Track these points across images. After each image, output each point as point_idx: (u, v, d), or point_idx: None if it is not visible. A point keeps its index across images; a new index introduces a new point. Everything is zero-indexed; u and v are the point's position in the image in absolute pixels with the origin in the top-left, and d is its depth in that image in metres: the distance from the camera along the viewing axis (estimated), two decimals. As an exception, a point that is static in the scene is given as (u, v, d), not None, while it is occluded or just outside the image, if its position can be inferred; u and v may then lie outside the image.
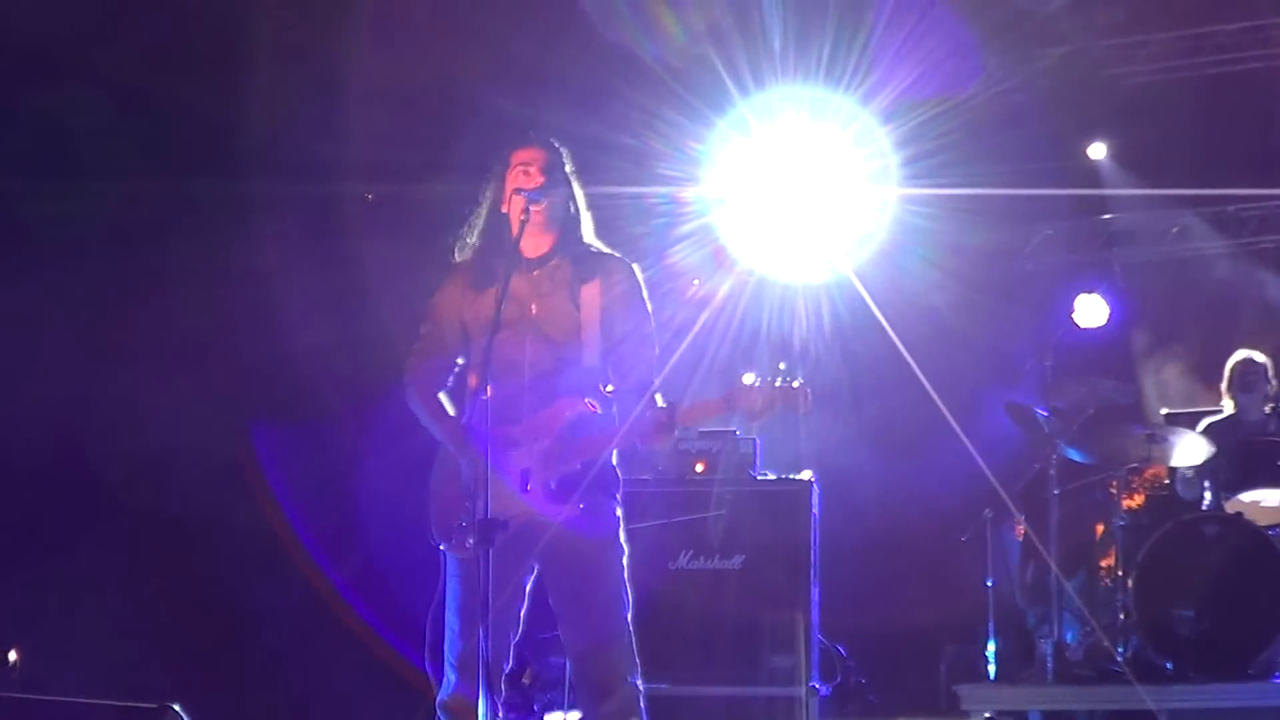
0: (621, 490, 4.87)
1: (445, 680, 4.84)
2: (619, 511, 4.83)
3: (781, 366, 4.82)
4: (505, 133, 5.13)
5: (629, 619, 4.79)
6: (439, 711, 4.84)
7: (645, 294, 4.95)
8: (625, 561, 4.80)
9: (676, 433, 4.79)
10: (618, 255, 4.99)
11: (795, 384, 4.73)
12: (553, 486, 4.69)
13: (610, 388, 4.87)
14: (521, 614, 4.82)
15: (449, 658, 4.82)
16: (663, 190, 8.24)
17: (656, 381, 4.84)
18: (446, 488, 4.80)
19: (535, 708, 7.11)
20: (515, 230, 4.77)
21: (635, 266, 4.97)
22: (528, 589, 4.81)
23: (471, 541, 4.52)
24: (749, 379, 4.75)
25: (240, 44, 7.46)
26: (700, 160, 8.41)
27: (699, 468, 7.50)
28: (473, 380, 4.69)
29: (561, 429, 4.73)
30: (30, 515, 7.50)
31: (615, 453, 4.84)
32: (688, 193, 8.35)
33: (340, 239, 7.97)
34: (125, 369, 7.65)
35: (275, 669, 7.53)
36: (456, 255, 5.00)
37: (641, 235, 8.06)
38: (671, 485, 7.34)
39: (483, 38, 7.77)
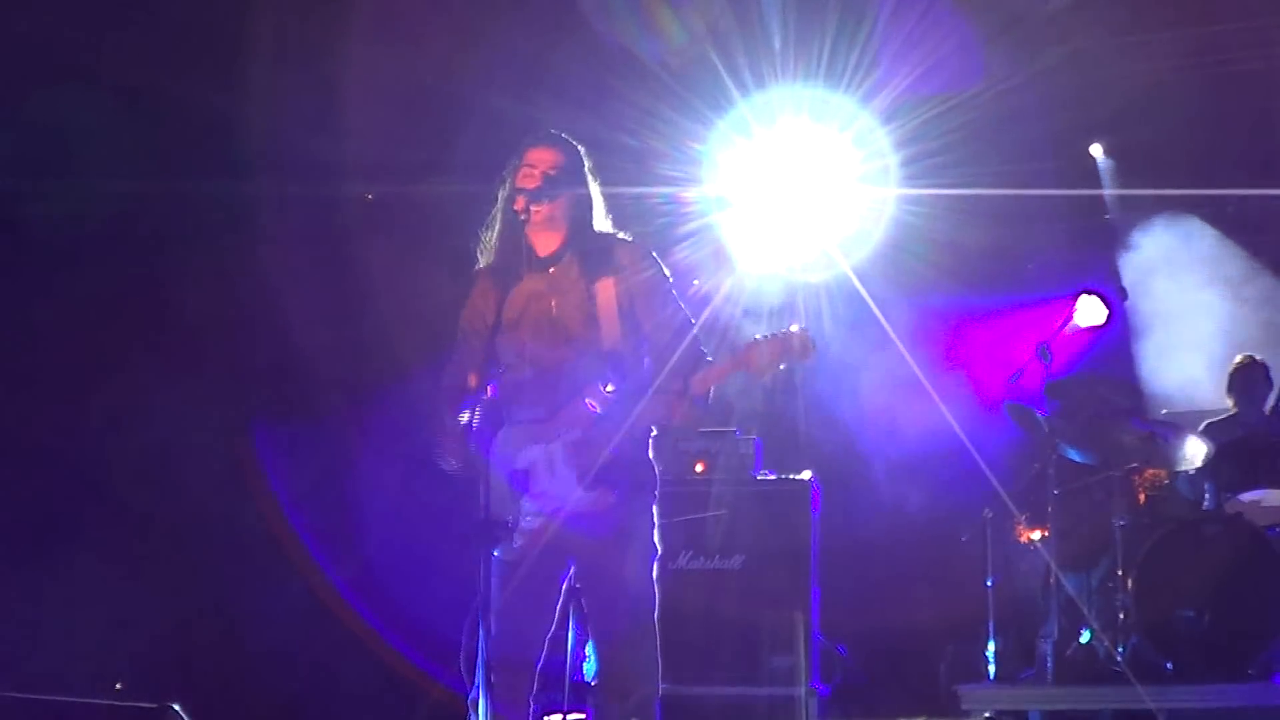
0: (659, 489, 4.88)
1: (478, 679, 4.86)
2: (655, 510, 4.85)
3: (794, 328, 4.81)
4: (514, 127, 5.14)
5: (655, 619, 4.81)
6: (470, 710, 4.86)
7: (666, 273, 4.95)
8: (655, 563, 4.82)
9: (693, 400, 4.79)
10: (631, 240, 5.00)
11: (794, 329, 4.73)
12: (587, 476, 4.71)
13: (644, 364, 4.84)
14: (557, 609, 4.83)
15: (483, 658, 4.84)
16: (663, 190, 8.23)
17: (705, 350, 4.85)
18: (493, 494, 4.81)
19: (535, 708, 7.09)
20: (521, 229, 4.82)
21: (653, 252, 4.97)
22: (564, 587, 4.83)
23: (519, 542, 4.55)
24: (757, 336, 4.77)
25: (240, 43, 7.46)
26: (701, 160, 8.41)
27: (699, 468, 7.50)
28: (472, 380, 4.71)
29: (591, 420, 4.74)
30: (30, 515, 7.50)
31: (651, 448, 4.86)
32: (688, 193, 8.35)
33: (340, 239, 7.97)
34: (125, 369, 7.64)
35: (275, 669, 7.52)
36: (481, 260, 5.03)
37: (642, 235, 8.05)
38: (671, 485, 7.32)
39: (483, 38, 7.76)
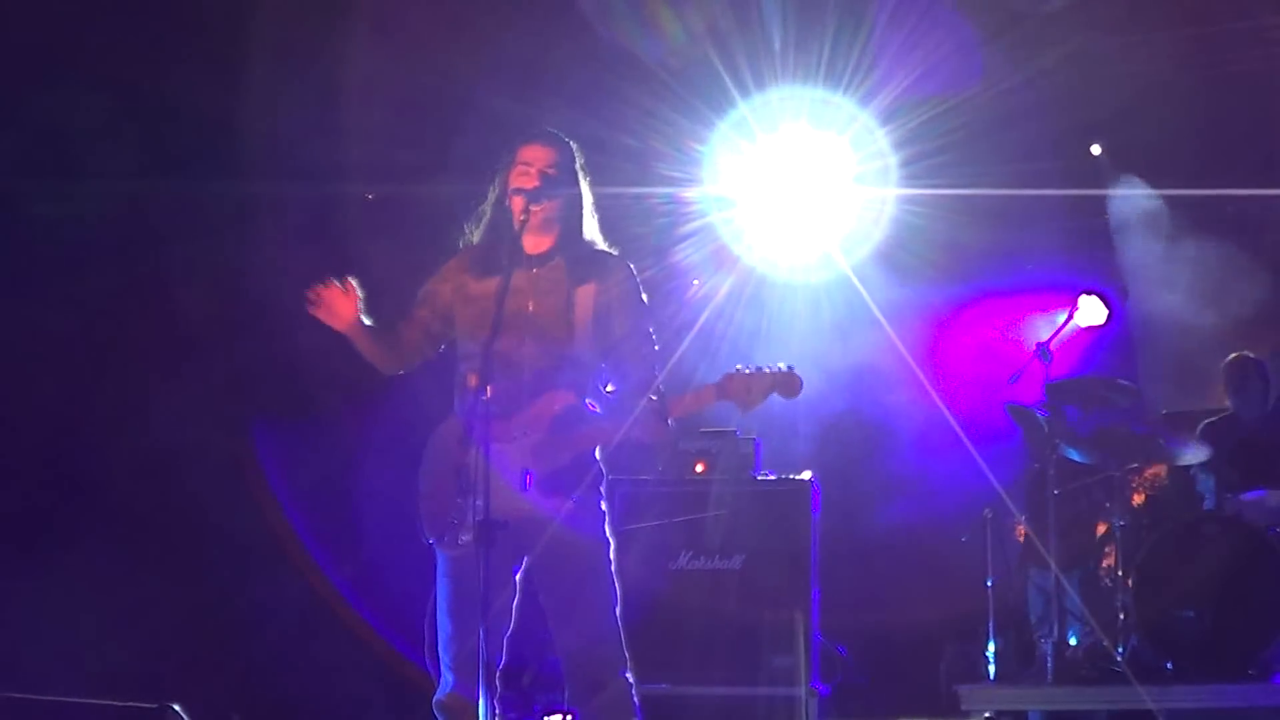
0: (606, 484, 4.89)
1: (442, 680, 4.86)
2: (604, 506, 4.85)
3: (781, 366, 4.86)
4: (513, 127, 5.15)
5: (618, 614, 4.81)
6: (436, 711, 4.86)
7: (642, 293, 4.96)
8: (612, 555, 4.83)
9: (671, 423, 4.82)
10: (615, 255, 5.01)
11: (783, 368, 4.78)
12: (543, 480, 4.71)
13: (610, 388, 4.89)
14: (513, 606, 4.84)
15: (444, 659, 4.84)
16: (664, 190, 8.24)
17: (659, 377, 4.86)
18: (437, 485, 4.81)
19: (535, 708, 7.11)
20: (515, 228, 4.80)
21: (631, 266, 4.99)
22: (517, 581, 4.83)
23: (465, 539, 4.54)
24: (740, 367, 4.81)
25: (240, 44, 7.46)
26: (701, 161, 8.41)
27: (699, 468, 7.50)
28: (472, 380, 4.70)
29: (553, 422, 4.75)
30: (30, 515, 7.50)
31: (599, 448, 4.87)
32: (689, 193, 8.35)
33: (340, 239, 7.96)
34: (126, 368, 7.64)
35: (275, 669, 7.52)
36: (461, 244, 5.03)
37: (643, 235, 8.07)
38: (671, 485, 7.34)
39: (483, 37, 7.76)
